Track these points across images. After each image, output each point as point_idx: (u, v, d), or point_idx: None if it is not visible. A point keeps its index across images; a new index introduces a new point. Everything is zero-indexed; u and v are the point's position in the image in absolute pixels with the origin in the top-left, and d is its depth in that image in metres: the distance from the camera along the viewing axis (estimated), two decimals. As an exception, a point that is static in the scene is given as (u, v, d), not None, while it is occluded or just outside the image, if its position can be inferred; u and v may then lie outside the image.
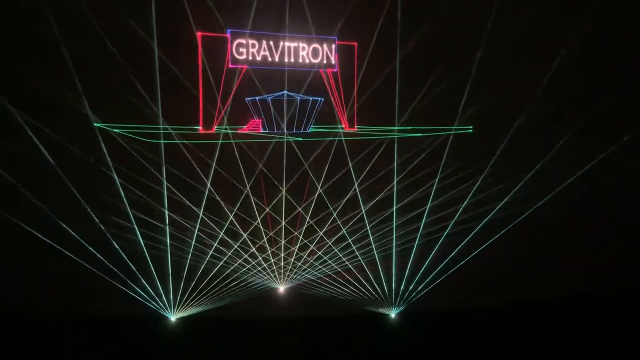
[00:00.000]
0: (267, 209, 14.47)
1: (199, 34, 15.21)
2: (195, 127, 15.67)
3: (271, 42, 15.90)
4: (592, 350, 11.11)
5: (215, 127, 15.71)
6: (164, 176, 13.88)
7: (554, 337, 11.57)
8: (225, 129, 15.81)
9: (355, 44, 16.61)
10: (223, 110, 15.95)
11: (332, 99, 18.69)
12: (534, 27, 14.95)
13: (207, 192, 14.09)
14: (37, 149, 13.62)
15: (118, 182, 13.91)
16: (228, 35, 15.33)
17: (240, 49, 15.50)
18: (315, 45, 16.57)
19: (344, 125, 18.46)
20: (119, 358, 11.10)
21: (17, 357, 10.84)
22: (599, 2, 14.28)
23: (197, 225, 13.46)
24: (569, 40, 14.86)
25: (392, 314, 12.23)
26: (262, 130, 17.17)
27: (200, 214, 13.68)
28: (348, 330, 11.96)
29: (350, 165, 15.70)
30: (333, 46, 16.84)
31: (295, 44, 16.14)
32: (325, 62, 16.93)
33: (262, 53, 15.86)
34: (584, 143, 15.73)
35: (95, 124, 14.06)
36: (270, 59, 16.03)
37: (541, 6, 14.74)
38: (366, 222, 14.41)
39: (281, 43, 15.64)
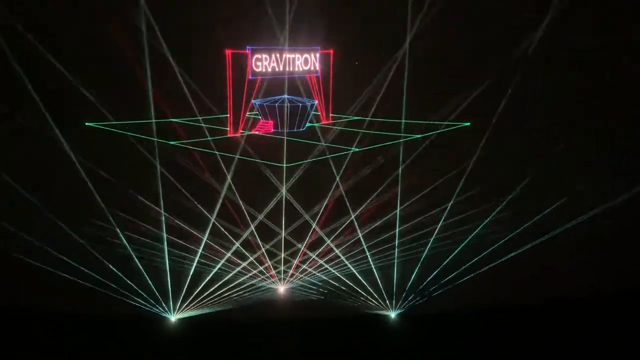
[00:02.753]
0: (268, 209, 14.56)
1: (228, 51, 17.21)
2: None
3: (277, 55, 18.84)
4: (592, 352, 11.14)
5: (240, 131, 18.26)
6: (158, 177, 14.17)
7: (553, 338, 11.59)
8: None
9: (331, 51, 20.03)
10: (245, 116, 18.31)
11: (314, 97, 21.03)
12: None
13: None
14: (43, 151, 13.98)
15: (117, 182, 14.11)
16: (248, 51, 17.94)
17: (258, 63, 18.25)
18: (306, 55, 19.95)
19: (322, 118, 20.83)
20: (119, 358, 11.09)
21: (17, 357, 10.82)
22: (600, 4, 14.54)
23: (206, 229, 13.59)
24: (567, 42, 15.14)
25: (392, 314, 12.26)
26: (273, 130, 19.42)
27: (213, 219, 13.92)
28: (348, 330, 11.96)
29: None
30: (317, 55, 20.28)
31: (293, 55, 19.32)
32: (312, 68, 20.29)
33: (271, 65, 18.78)
34: (588, 145, 15.97)
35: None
36: (277, 69, 19.15)
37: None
38: (368, 224, 14.52)
39: (284, 55, 19.17)
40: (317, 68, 20.26)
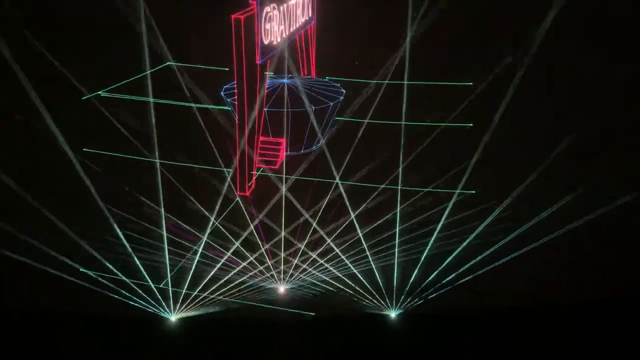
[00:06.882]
0: (267, 209, 14.39)
1: (235, 16, 11.73)
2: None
3: (282, 7, 12.90)
4: (591, 353, 11.22)
5: (253, 185, 14.32)
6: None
7: (553, 338, 11.66)
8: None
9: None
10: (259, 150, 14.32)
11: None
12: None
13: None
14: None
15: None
16: (254, 4, 11.78)
17: (267, 26, 12.42)
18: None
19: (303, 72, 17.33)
20: (119, 358, 11.10)
21: (17, 357, 10.82)
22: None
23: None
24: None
25: (392, 314, 12.25)
26: (285, 155, 14.38)
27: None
28: (348, 330, 11.97)
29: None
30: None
31: (293, 2, 13.57)
32: (308, 17, 14.72)
33: (280, 26, 12.94)
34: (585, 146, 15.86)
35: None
36: (286, 32, 13.00)
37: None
38: (366, 222, 14.40)
39: (288, 3, 13.28)
40: (311, 16, 14.88)
